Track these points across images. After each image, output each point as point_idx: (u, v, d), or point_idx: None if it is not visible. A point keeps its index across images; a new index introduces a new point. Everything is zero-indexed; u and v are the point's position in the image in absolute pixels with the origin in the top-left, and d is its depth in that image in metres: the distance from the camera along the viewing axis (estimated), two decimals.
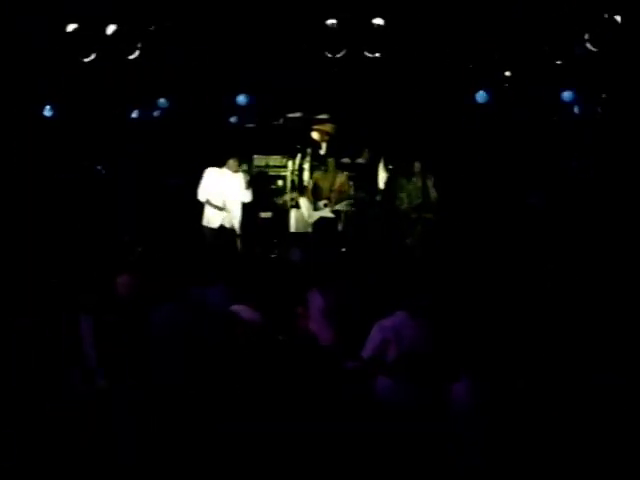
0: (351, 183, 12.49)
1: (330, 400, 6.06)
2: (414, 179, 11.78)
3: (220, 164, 11.77)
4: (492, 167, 12.33)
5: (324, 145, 12.57)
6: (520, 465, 4.67)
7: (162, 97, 12.42)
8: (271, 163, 13.28)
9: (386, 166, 12.81)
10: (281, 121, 13.10)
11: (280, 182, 13.07)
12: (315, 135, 12.61)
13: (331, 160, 12.34)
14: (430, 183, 11.78)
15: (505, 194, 12.11)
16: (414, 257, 11.31)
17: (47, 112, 12.01)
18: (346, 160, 12.89)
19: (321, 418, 5.74)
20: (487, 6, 10.61)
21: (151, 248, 10.95)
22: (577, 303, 6.62)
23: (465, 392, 5.29)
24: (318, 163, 12.75)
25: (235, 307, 7.06)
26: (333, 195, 12.03)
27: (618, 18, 10.15)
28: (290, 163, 13.15)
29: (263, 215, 12.59)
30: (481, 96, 12.00)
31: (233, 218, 11.62)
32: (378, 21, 10.96)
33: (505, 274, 8.62)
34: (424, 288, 7.09)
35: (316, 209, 12.09)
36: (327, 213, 12.04)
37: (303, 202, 12.30)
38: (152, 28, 11.03)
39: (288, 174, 13.13)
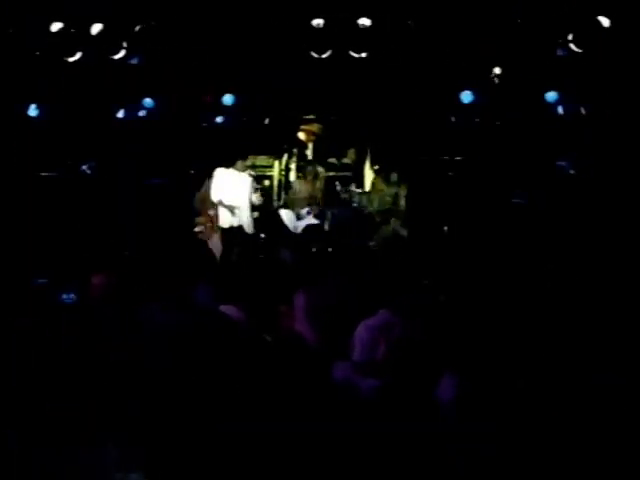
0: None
1: (319, 400, 6.06)
2: (390, 185, 11.92)
3: (217, 164, 11.76)
4: (485, 166, 12.39)
5: (310, 145, 12.56)
6: (517, 465, 4.69)
7: (148, 97, 12.37)
8: (257, 163, 13.30)
9: (372, 166, 12.87)
10: (267, 121, 13.09)
11: (267, 182, 13.07)
12: (302, 135, 12.60)
13: (312, 166, 12.34)
14: (403, 193, 11.93)
15: (499, 194, 12.19)
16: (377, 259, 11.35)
17: (32, 112, 11.95)
18: (332, 160, 12.91)
19: (311, 418, 5.74)
20: (475, 6, 10.68)
21: (139, 249, 10.93)
22: (577, 303, 6.65)
23: (451, 389, 5.32)
24: (305, 163, 12.75)
25: (222, 307, 7.06)
26: (312, 202, 11.98)
27: (604, 21, 10.26)
28: (277, 163, 13.17)
29: None
30: (466, 96, 12.07)
31: (242, 218, 11.52)
32: (364, 21, 11.00)
33: (504, 275, 8.66)
34: (407, 287, 7.14)
35: (299, 218, 12.05)
36: (311, 220, 11.99)
37: (285, 213, 12.23)
38: (138, 28, 11.02)
39: (275, 174, 13.15)
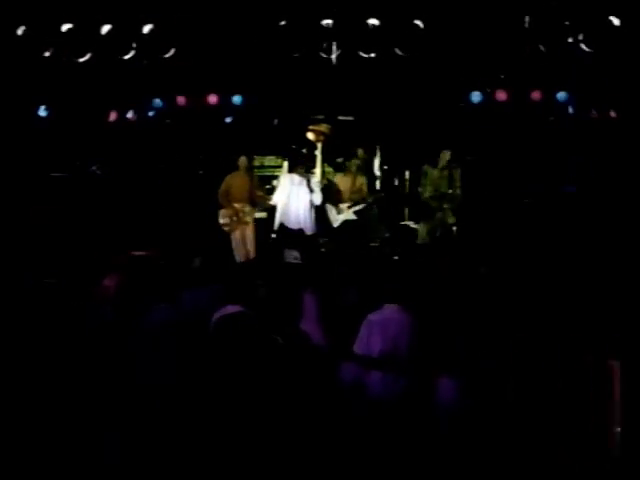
0: None
1: (326, 398, 6.07)
2: (441, 169, 11.69)
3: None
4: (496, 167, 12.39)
5: (319, 145, 12.51)
6: (509, 463, 4.69)
7: (157, 97, 12.41)
8: (266, 163, 13.31)
9: (381, 166, 12.85)
10: (276, 121, 13.10)
11: (275, 182, 13.03)
12: (310, 135, 12.55)
13: (352, 162, 12.24)
14: (457, 175, 11.68)
15: (518, 191, 12.18)
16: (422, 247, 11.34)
17: (42, 112, 12.01)
18: (340, 160, 12.89)
19: (318, 418, 5.74)
20: (483, 7, 10.68)
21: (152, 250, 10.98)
22: (578, 306, 6.63)
23: (451, 389, 5.32)
24: (313, 165, 12.69)
25: (229, 307, 7.06)
26: (354, 197, 11.93)
27: (615, 20, 10.23)
28: (285, 163, 13.12)
29: (258, 216, 12.57)
30: (476, 96, 12.08)
31: (303, 219, 11.46)
32: (373, 21, 11.01)
33: (517, 271, 8.65)
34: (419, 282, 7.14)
35: (339, 212, 11.99)
36: (350, 215, 11.93)
37: (328, 207, 12.13)
38: (146, 29, 11.07)
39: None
